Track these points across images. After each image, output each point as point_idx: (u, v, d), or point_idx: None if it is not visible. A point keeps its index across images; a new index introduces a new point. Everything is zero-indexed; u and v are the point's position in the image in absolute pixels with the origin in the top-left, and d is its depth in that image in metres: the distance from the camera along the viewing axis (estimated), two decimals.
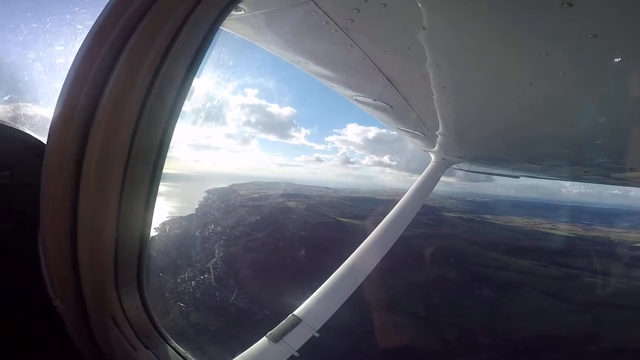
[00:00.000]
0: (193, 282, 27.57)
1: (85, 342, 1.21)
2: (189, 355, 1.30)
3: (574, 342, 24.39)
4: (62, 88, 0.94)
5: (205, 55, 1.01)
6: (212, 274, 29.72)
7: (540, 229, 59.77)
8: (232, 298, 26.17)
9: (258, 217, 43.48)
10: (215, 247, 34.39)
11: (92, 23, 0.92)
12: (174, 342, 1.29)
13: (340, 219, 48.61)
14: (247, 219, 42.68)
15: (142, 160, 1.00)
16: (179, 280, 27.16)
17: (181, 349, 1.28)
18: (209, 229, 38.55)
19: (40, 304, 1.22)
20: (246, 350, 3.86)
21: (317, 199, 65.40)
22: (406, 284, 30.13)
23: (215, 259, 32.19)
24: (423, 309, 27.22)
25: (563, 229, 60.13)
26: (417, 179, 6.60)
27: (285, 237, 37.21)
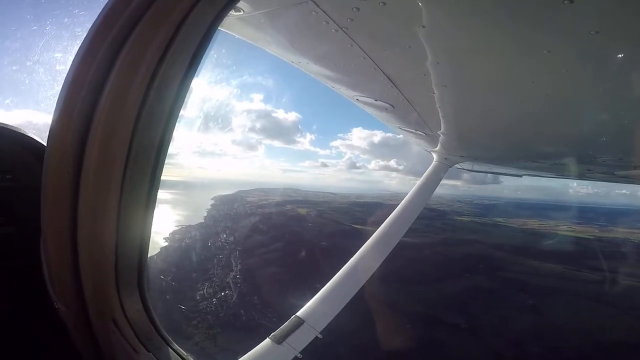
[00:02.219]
0: (214, 299, 26.10)
1: (86, 345, 1.20)
2: (191, 358, 1.29)
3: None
4: (61, 90, 0.94)
5: (204, 57, 1.00)
6: (233, 289, 28.10)
7: (557, 232, 59.31)
8: (261, 318, 24.45)
9: (271, 226, 42.32)
10: (232, 258, 33.14)
11: (91, 25, 0.92)
12: (175, 344, 1.28)
13: (355, 226, 47.97)
14: (260, 228, 41.66)
15: (141, 162, 1.00)
16: (198, 298, 25.88)
17: (183, 351, 1.28)
18: (221, 239, 37.80)
19: (41, 306, 1.22)
20: (249, 352, 3.85)
21: (325, 205, 65.15)
22: (442, 294, 29.29)
23: (234, 273, 30.65)
24: (473, 321, 26.30)
25: (579, 230, 59.60)
26: (420, 179, 6.57)
27: (306, 248, 35.64)
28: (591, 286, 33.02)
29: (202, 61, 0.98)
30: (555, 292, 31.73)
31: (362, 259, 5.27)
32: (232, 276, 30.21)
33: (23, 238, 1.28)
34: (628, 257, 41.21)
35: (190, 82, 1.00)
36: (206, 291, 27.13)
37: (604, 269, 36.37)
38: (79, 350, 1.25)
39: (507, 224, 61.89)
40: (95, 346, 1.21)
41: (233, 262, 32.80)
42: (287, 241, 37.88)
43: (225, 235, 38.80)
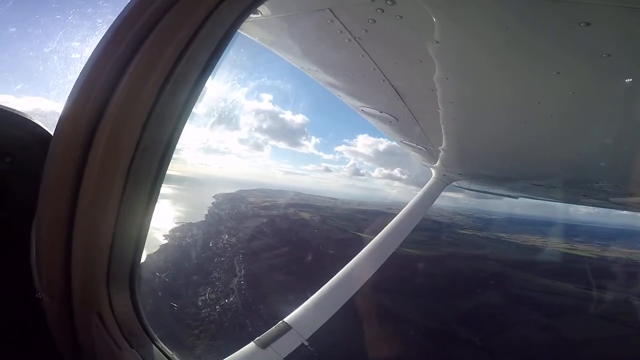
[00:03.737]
0: (218, 307, 24.48)
1: (66, 338, 1.17)
2: (175, 357, 1.26)
3: None
4: (78, 79, 0.94)
5: (222, 57, 1.00)
6: (237, 296, 26.42)
7: (560, 249, 58.71)
8: (264, 325, 23.28)
9: (275, 229, 41.23)
10: (235, 262, 31.65)
11: (113, 18, 0.93)
12: (160, 342, 1.25)
13: (360, 234, 46.58)
14: (263, 231, 40.65)
15: (148, 157, 0.99)
16: (200, 303, 24.47)
17: (168, 350, 1.25)
18: (223, 239, 36.62)
19: (21, 295, 1.18)
20: (232, 355, 3.80)
21: (328, 210, 64.24)
22: (456, 311, 28.67)
23: (238, 278, 29.00)
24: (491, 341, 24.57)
25: (582, 249, 59.15)
26: (417, 194, 6.60)
27: (314, 257, 33.57)
28: (610, 307, 32.30)
29: (218, 62, 0.98)
30: (572, 311, 31.10)
31: (355, 268, 5.25)
32: (236, 282, 28.65)
33: (17, 224, 1.25)
34: (636, 278, 41.16)
35: (205, 81, 1.00)
36: (208, 296, 25.62)
37: (618, 290, 35.96)
38: (57, 343, 1.21)
39: (510, 240, 61.49)
40: (75, 340, 1.17)
41: (236, 266, 31.33)
42: (293, 247, 36.59)
43: (227, 236, 37.68)
